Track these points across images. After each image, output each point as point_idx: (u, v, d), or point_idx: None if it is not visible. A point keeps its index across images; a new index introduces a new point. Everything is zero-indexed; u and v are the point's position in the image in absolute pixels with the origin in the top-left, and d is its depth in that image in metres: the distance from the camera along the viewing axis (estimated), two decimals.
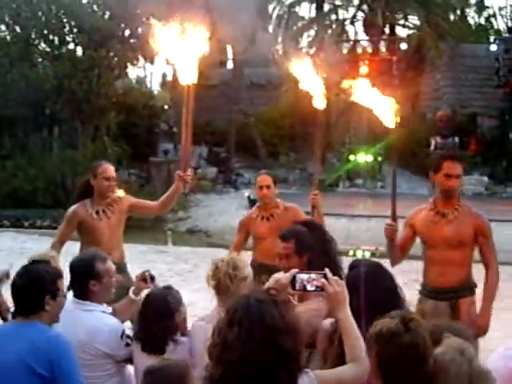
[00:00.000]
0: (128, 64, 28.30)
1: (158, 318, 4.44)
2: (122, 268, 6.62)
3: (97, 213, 6.86)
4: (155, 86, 35.93)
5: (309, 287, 3.11)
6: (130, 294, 4.96)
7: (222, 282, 4.35)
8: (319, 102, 6.61)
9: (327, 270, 3.14)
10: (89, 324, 4.56)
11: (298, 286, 3.10)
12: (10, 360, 3.74)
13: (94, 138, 25.77)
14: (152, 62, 32.86)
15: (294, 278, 3.11)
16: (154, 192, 25.05)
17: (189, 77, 6.04)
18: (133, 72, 31.93)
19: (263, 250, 7.08)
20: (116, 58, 26.82)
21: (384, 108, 5.61)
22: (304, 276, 3.12)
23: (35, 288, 3.93)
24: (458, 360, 2.84)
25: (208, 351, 2.68)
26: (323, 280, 3.08)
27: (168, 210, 7.72)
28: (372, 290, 3.58)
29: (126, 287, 6.11)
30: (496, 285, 5.81)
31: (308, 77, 6.55)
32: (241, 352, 2.54)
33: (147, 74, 35.92)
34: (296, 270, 3.21)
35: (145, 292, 4.91)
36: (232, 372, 2.56)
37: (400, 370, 2.86)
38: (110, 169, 6.95)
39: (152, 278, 4.95)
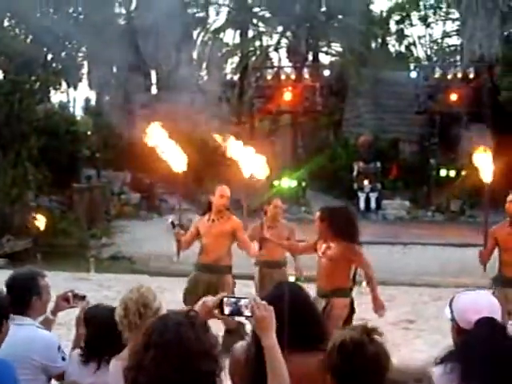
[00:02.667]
0: (50, 89, 27.97)
1: (109, 334, 4.35)
2: (214, 267, 8.60)
3: (208, 220, 8.76)
4: (78, 112, 35.65)
5: (236, 311, 3.09)
6: (48, 313, 4.94)
7: (132, 321, 4.28)
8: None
9: (256, 296, 3.13)
10: (25, 335, 4.52)
11: (226, 310, 3.08)
12: None
13: (15, 164, 25.30)
14: (75, 87, 32.60)
15: (221, 302, 3.09)
16: (77, 218, 24.79)
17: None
18: (55, 97, 31.63)
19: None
20: (38, 83, 26.48)
21: None
22: (232, 300, 3.10)
23: None
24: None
25: (124, 374, 2.62)
26: (251, 304, 3.06)
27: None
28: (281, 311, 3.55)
29: (214, 285, 8.44)
30: None
31: None
32: (156, 375, 2.49)
33: (70, 99, 35.64)
34: (224, 293, 3.19)
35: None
36: None
37: (361, 380, 2.85)
38: (224, 189, 8.80)
39: (82, 298, 4.94)
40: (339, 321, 7.23)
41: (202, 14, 34.53)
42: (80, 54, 29.40)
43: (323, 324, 3.76)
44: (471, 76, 28.80)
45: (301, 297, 3.70)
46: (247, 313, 3.07)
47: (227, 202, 8.80)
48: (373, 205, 27.76)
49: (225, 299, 3.09)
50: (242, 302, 3.08)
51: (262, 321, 3.02)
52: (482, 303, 3.43)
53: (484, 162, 8.03)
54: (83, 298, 4.98)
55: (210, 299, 3.13)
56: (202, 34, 34.39)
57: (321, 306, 7.04)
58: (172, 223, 24.87)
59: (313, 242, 7.78)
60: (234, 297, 3.15)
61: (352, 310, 7.44)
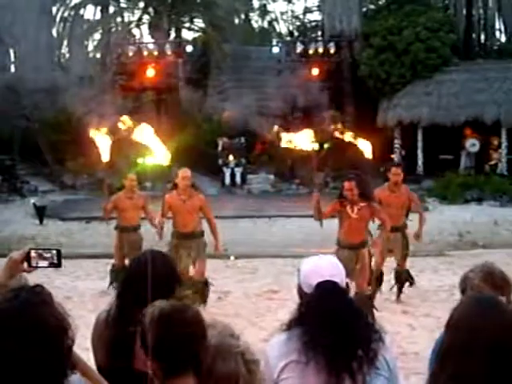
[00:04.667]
0: None
1: None
2: (192, 235, 10.67)
3: (179, 199, 10.55)
4: None
5: (41, 263, 3.14)
6: None
7: None
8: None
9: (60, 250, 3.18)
10: None
11: (32, 262, 3.12)
12: None
13: None
14: None
15: (28, 255, 3.12)
16: None
17: None
18: None
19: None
20: None
21: None
22: (39, 252, 3.15)
23: None
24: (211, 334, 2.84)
25: None
26: (55, 255, 3.14)
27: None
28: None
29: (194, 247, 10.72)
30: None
31: None
32: (18, 360, 2.41)
33: None
34: (30, 246, 3.21)
35: None
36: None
37: (179, 347, 2.73)
38: (185, 171, 10.65)
39: None
40: (366, 267, 9.87)
41: None
42: None
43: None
44: (332, 51, 29.38)
45: (163, 261, 3.81)
46: (53, 262, 3.15)
47: (189, 182, 10.60)
48: (238, 180, 27.98)
49: (32, 252, 3.14)
50: (47, 252, 3.16)
51: None
52: (323, 267, 3.40)
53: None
54: None
55: (16, 253, 3.12)
56: (62, 9, 33.58)
57: (347, 257, 9.48)
58: (34, 205, 24.23)
59: (334, 205, 9.84)
60: (40, 248, 3.19)
61: (370, 257, 10.14)
